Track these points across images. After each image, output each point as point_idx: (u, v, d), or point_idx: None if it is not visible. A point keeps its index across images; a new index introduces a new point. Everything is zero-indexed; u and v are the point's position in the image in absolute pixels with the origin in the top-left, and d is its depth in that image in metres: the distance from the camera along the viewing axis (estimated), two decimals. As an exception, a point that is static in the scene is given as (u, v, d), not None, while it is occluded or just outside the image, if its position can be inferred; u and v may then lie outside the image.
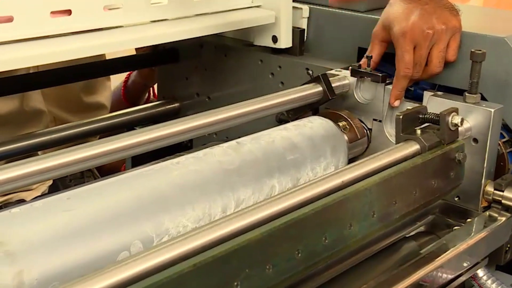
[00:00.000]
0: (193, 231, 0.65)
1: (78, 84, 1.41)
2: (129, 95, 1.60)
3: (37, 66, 1.21)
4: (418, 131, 0.91)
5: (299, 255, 0.70)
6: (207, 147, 0.93)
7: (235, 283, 0.64)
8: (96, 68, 1.34)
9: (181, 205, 0.79)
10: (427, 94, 1.00)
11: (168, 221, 0.77)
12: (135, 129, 1.36)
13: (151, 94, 1.64)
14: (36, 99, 1.30)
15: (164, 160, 0.90)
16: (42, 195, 1.31)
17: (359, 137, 1.04)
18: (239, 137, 0.96)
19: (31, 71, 1.22)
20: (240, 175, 0.87)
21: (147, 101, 1.63)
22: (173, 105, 1.41)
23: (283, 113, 1.14)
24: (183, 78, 1.38)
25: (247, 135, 0.97)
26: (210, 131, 1.00)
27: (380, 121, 1.06)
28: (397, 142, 0.91)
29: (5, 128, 1.25)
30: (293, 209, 0.72)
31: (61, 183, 1.38)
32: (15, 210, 0.69)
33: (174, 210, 0.78)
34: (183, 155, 0.92)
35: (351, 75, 1.07)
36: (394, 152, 0.87)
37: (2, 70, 0.87)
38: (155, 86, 1.59)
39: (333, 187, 0.77)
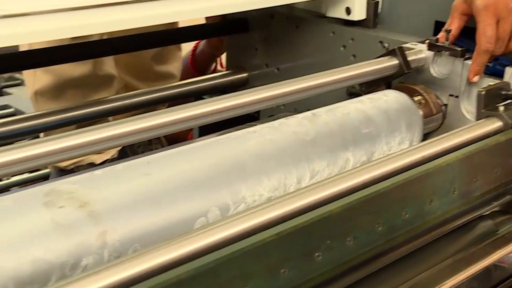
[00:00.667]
0: (275, 200, 0.64)
1: (149, 53, 1.40)
2: (197, 64, 1.59)
3: (111, 32, 1.21)
4: (501, 108, 0.87)
5: (380, 228, 0.68)
6: (281, 118, 0.92)
7: (316, 254, 0.62)
8: (167, 36, 1.33)
9: (258, 174, 0.78)
10: (509, 70, 0.96)
11: (245, 190, 0.76)
12: (203, 98, 1.35)
13: (218, 64, 1.62)
14: (108, 64, 1.31)
15: (231, 131, 0.89)
16: (112, 159, 1.32)
17: (434, 112, 1.01)
18: (308, 110, 0.93)
19: (104, 37, 1.22)
20: (315, 147, 0.85)
21: (214, 71, 1.62)
22: (241, 75, 1.39)
23: (354, 87, 1.12)
24: (252, 48, 1.36)
25: (316, 107, 0.95)
26: (279, 103, 0.97)
27: (456, 96, 1.02)
28: (478, 118, 0.88)
29: (78, 91, 1.26)
30: (374, 183, 0.70)
31: (129, 149, 1.39)
32: (98, 172, 0.69)
33: (250, 178, 0.77)
34: (254, 125, 0.91)
35: (428, 49, 1.03)
36: (475, 128, 0.84)
37: (77, 35, 0.87)
38: (223, 56, 1.57)
39: (413, 161, 0.75)
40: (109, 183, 0.67)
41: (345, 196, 0.67)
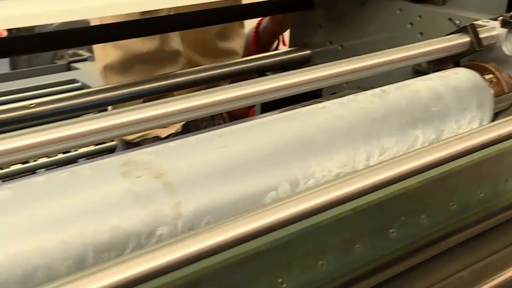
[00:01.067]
0: (350, 175, 0.62)
1: (213, 29, 1.40)
2: (260, 41, 1.58)
3: (177, 8, 1.21)
4: None
5: (454, 206, 0.66)
6: (345, 95, 0.90)
7: (391, 230, 0.61)
8: (232, 12, 1.32)
9: (327, 149, 0.77)
10: None
11: (314, 165, 0.75)
12: (266, 75, 1.34)
13: (280, 41, 1.61)
14: (175, 40, 1.31)
15: (293, 108, 0.88)
16: (176, 133, 1.33)
17: (506, 91, 0.97)
18: (371, 88, 0.91)
19: (171, 13, 1.22)
20: (385, 123, 0.83)
21: (276, 49, 1.61)
22: (304, 52, 1.37)
23: (420, 65, 1.09)
24: (316, 25, 1.34)
25: (379, 86, 0.92)
26: (343, 81, 0.95)
27: (529, 75, 0.98)
28: (554, 97, 0.84)
29: (145, 66, 1.27)
30: (448, 161, 0.68)
31: (193, 124, 1.39)
32: (171, 144, 0.69)
33: (320, 154, 0.76)
34: (318, 101, 0.90)
35: (502, 26, 0.99)
36: (552, 107, 0.80)
37: (146, 9, 0.87)
38: (285, 33, 1.55)
39: (489, 140, 0.72)
40: (183, 155, 0.67)
41: (418, 174, 0.65)
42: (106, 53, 1.26)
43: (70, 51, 2.73)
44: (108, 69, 1.27)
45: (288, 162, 0.73)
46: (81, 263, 0.58)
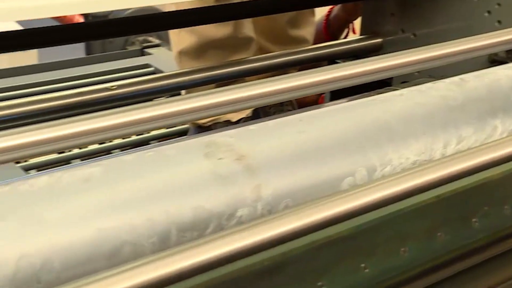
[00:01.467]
0: (433, 163, 0.61)
1: (285, 17, 1.39)
2: (330, 29, 1.56)
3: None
4: None
5: (538, 198, 0.63)
6: (419, 84, 0.88)
7: (473, 220, 0.59)
8: (303, 0, 1.30)
9: (405, 137, 0.75)
10: None
11: (391, 152, 0.73)
12: (336, 63, 1.32)
13: (350, 30, 1.58)
14: (247, 27, 1.31)
15: (365, 96, 0.86)
16: (247, 118, 1.33)
17: None
18: (443, 77, 0.88)
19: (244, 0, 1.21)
20: (463, 112, 0.81)
21: (346, 37, 1.58)
22: (375, 41, 1.35)
23: (497, 54, 1.05)
24: (388, 13, 1.31)
25: (453, 75, 0.89)
26: (416, 70, 0.92)
27: None
28: None
29: (219, 52, 1.27)
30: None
31: (261, 110, 1.39)
32: (252, 127, 0.69)
33: (397, 141, 0.74)
34: (395, 89, 0.88)
35: None
36: None
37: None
38: (355, 21, 1.53)
39: None
40: (263, 138, 0.67)
41: (502, 164, 0.63)
42: (180, 38, 1.27)
43: (141, 38, 2.77)
44: (183, 54, 1.28)
45: (364, 148, 0.72)
46: (165, 241, 0.58)
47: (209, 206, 0.60)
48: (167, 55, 1.75)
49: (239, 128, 0.68)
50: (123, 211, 0.56)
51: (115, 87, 0.91)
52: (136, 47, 1.91)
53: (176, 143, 0.63)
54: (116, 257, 0.56)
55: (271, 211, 0.64)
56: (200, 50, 1.26)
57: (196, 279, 0.48)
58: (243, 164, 0.63)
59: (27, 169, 1.27)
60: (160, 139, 1.48)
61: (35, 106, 0.99)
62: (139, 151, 0.61)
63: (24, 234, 0.52)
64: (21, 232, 0.52)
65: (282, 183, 0.65)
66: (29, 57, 2.16)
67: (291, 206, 0.65)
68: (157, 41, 2.13)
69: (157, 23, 1.19)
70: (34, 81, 1.51)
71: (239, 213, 0.62)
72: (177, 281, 0.48)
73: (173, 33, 1.31)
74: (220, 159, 0.62)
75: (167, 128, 1.52)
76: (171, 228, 0.58)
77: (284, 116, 0.72)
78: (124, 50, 2.08)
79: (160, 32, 2.59)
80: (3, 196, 0.53)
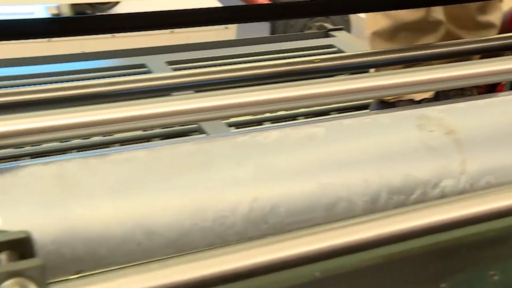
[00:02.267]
0: None
1: (475, 4, 1.35)
2: (519, 19, 1.48)
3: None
4: None
5: None
6: None
7: None
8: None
9: None
10: None
11: None
12: None
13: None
14: (437, 10, 1.29)
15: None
16: (429, 99, 1.32)
17: None
18: None
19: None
20: None
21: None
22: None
23: None
24: None
25: None
26: None
27: None
28: None
29: (409, 34, 1.27)
30: None
31: (442, 93, 1.37)
32: (460, 105, 0.69)
33: None
34: None
35: None
36: None
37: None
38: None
39: None
40: (471, 115, 0.67)
41: None
42: (376, 20, 1.28)
43: (318, 23, 2.87)
44: (377, 35, 1.29)
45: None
46: (375, 201, 0.61)
47: (418, 174, 0.62)
48: (350, 38, 1.78)
49: (448, 105, 0.68)
50: (341, 169, 0.60)
51: (319, 60, 0.95)
52: (323, 29, 1.97)
53: (390, 113, 0.65)
54: (332, 211, 0.59)
55: (473, 185, 0.65)
56: (392, 32, 1.27)
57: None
58: (452, 138, 0.64)
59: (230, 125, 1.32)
60: (341, 112, 1.49)
61: (243, 72, 1.05)
62: (357, 116, 0.64)
63: (259, 179, 0.57)
64: (256, 177, 0.57)
65: (487, 160, 0.65)
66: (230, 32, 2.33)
67: (493, 183, 0.65)
68: (331, 27, 2.16)
69: (344, 5, 1.20)
70: (232, 53, 1.61)
71: (443, 183, 0.63)
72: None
73: (369, 16, 1.32)
74: (430, 131, 0.64)
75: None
76: (382, 190, 0.61)
77: (491, 97, 0.71)
78: (309, 32, 2.14)
79: (335, 20, 2.65)
80: (242, 144, 0.59)
